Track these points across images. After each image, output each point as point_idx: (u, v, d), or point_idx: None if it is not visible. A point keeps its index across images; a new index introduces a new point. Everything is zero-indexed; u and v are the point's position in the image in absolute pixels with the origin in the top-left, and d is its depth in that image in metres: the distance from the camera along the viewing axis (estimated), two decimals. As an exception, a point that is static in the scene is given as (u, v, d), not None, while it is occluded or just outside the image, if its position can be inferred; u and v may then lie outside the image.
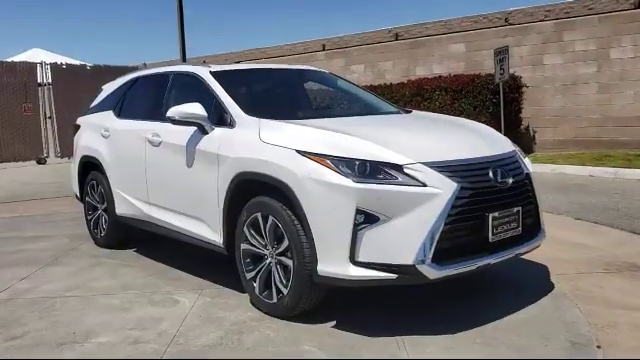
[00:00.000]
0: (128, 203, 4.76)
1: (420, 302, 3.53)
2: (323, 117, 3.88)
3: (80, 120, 5.73)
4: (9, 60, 15.05)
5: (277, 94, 4.54)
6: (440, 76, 12.04)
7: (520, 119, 11.85)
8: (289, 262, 3.21)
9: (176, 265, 4.53)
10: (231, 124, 3.70)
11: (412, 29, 13.94)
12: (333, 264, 2.98)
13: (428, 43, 13.46)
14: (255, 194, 3.43)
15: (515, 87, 11.34)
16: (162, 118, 4.35)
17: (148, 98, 4.83)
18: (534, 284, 3.79)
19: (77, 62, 17.32)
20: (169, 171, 4.16)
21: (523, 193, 3.32)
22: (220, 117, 3.80)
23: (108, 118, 5.14)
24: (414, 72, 13.47)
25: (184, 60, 14.94)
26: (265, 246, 3.39)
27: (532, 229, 3.42)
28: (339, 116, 4.06)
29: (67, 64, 15.69)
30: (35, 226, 6.50)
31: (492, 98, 10.82)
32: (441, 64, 13.13)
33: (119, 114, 5.06)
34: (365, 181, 2.92)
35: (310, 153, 3.09)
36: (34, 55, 19.13)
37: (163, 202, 4.32)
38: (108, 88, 5.57)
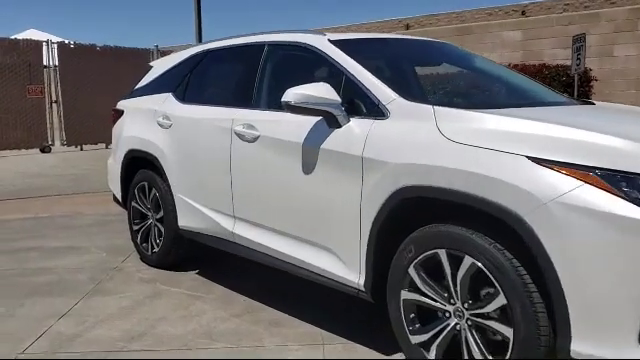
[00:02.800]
0: (198, 214, 3.61)
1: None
2: (501, 107, 2.69)
3: (123, 104, 4.54)
4: (12, 37, 13.71)
5: (422, 74, 3.37)
6: (500, 66, 10.89)
7: (588, 116, 10.80)
8: (505, 330, 2.08)
9: (265, 299, 3.39)
10: (380, 113, 2.56)
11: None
12: (604, 345, 1.85)
13: (478, 30, 12.32)
14: (430, 219, 2.31)
15: (585, 80, 10.22)
16: (255, 104, 3.26)
17: (230, 77, 3.70)
18: None
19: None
20: (273, 177, 3.02)
21: None
22: (353, 103, 2.69)
23: (168, 102, 3.96)
24: (461, 61, 12.33)
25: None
26: (448, 299, 2.27)
27: None
28: (516, 106, 2.84)
29: (75, 43, 14.39)
30: (58, 233, 5.30)
31: (564, 92, 9.68)
32: (493, 52, 11.98)
33: (183, 97, 3.89)
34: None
35: (560, 163, 1.95)
36: (30, 37, 17.66)
37: (259, 218, 3.16)
38: (161, 65, 4.39)
